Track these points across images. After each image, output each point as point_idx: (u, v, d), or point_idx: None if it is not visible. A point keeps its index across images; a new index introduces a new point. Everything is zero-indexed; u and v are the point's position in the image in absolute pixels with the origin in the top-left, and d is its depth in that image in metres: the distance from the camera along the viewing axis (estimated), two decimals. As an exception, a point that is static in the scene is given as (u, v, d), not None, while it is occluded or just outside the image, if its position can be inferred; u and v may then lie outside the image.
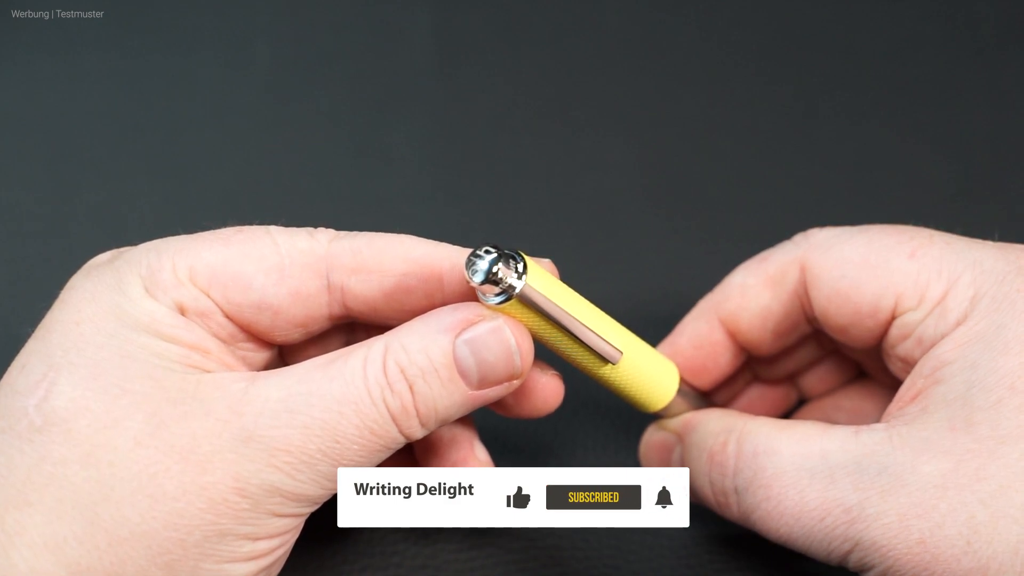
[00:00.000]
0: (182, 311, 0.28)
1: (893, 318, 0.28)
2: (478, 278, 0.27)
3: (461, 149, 0.44)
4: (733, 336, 0.32)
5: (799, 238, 0.31)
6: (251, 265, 0.28)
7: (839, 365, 0.35)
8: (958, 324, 0.27)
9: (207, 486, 0.26)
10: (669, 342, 0.33)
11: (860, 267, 0.29)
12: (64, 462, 0.25)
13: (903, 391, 0.28)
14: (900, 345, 0.29)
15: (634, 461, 0.36)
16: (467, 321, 0.28)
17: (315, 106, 0.45)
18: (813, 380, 0.35)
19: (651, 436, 0.33)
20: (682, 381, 0.32)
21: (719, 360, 0.33)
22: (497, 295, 0.27)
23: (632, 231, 0.42)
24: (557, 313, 0.28)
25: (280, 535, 0.28)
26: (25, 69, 0.46)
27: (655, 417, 0.33)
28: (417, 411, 0.28)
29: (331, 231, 0.30)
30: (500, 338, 0.28)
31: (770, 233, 0.41)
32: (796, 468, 0.27)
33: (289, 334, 0.30)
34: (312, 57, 0.46)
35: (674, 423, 0.32)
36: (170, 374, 0.27)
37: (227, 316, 0.29)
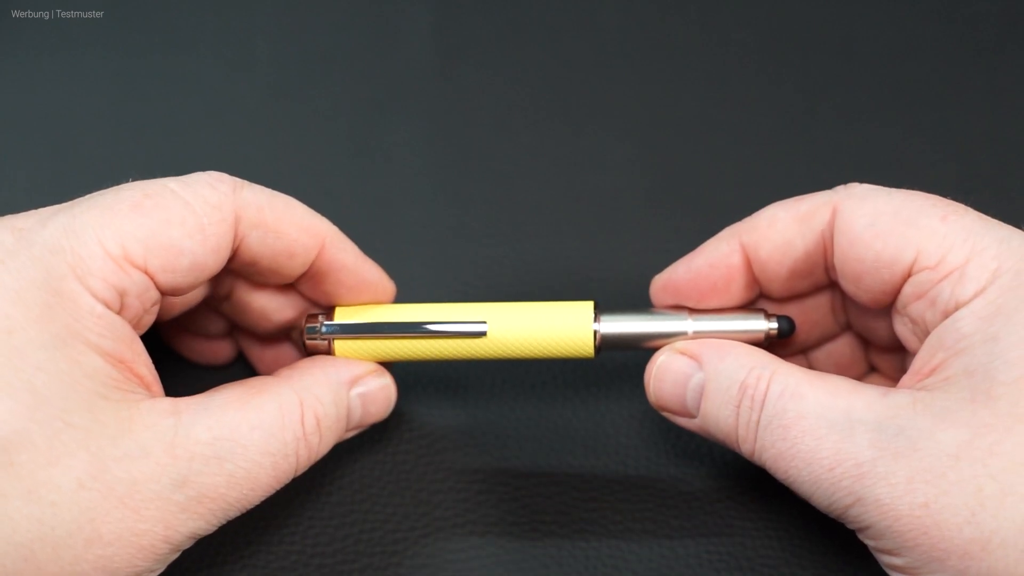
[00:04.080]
0: (121, 296, 0.28)
1: (910, 274, 0.29)
2: (310, 340, 0.33)
3: (461, 149, 0.44)
4: (750, 265, 0.32)
5: (839, 187, 0.31)
6: (176, 231, 0.28)
7: (850, 348, 0.35)
8: (976, 295, 0.27)
9: (140, 533, 0.27)
10: (686, 259, 0.33)
11: (890, 218, 0.29)
12: (4, 495, 0.25)
13: (920, 363, 0.28)
14: (912, 304, 0.29)
15: (639, 462, 0.36)
16: (360, 376, 0.33)
17: (315, 106, 0.45)
18: (823, 359, 0.35)
19: (668, 361, 0.32)
20: (686, 309, 0.32)
21: (730, 285, 0.32)
22: (325, 340, 0.33)
23: (632, 231, 0.41)
24: (382, 329, 0.33)
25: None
26: (25, 69, 0.46)
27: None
28: (317, 456, 0.31)
29: (226, 177, 0.30)
30: (387, 394, 0.34)
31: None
32: (817, 416, 0.27)
33: (199, 286, 0.31)
34: (312, 57, 0.46)
35: (694, 347, 0.31)
36: (105, 404, 0.27)
37: (159, 287, 0.29)
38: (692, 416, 0.31)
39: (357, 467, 0.36)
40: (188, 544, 0.28)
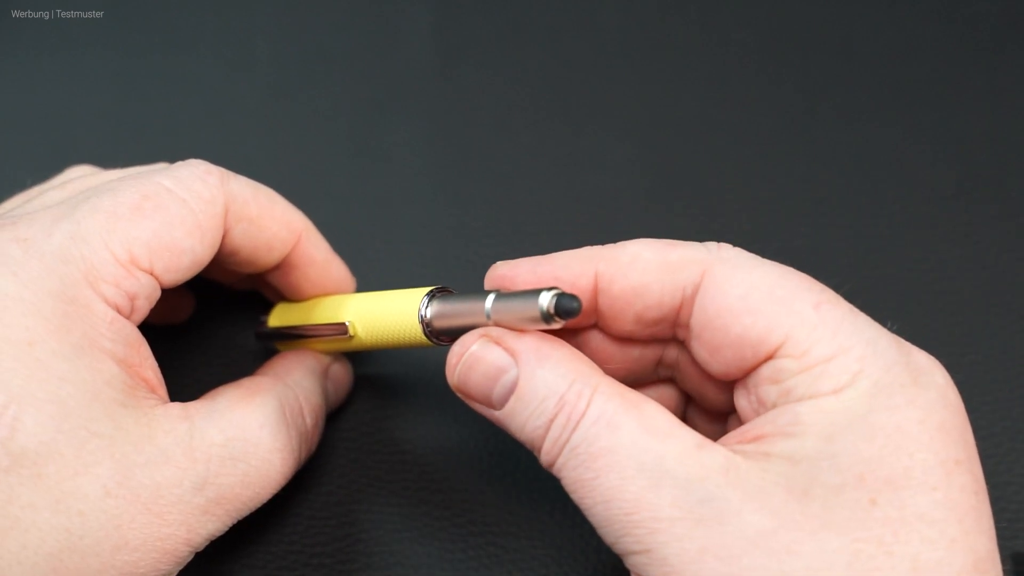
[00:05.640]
0: (132, 300, 0.28)
1: (771, 357, 0.27)
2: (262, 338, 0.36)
3: (461, 149, 0.44)
4: (596, 294, 0.29)
5: (711, 245, 0.29)
6: (177, 231, 0.29)
7: (663, 399, 0.33)
8: (832, 393, 0.26)
9: (164, 537, 0.27)
10: (534, 261, 0.29)
11: (765, 294, 0.27)
12: (33, 507, 0.25)
13: (746, 429, 0.27)
14: (764, 387, 0.27)
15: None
16: (328, 364, 0.35)
17: (315, 106, 0.45)
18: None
19: (482, 351, 0.28)
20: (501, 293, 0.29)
21: None
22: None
23: (632, 231, 0.41)
24: (295, 331, 0.35)
25: None
26: (25, 69, 0.46)
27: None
28: (313, 448, 0.33)
29: (214, 169, 0.30)
30: (349, 376, 0.36)
31: (770, 233, 0.41)
32: (627, 455, 0.25)
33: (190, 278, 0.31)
34: (312, 57, 0.46)
35: (511, 340, 0.28)
36: (124, 411, 0.27)
37: (161, 286, 0.29)
38: (494, 408, 0.28)
39: (357, 467, 0.36)
40: (204, 546, 0.29)
